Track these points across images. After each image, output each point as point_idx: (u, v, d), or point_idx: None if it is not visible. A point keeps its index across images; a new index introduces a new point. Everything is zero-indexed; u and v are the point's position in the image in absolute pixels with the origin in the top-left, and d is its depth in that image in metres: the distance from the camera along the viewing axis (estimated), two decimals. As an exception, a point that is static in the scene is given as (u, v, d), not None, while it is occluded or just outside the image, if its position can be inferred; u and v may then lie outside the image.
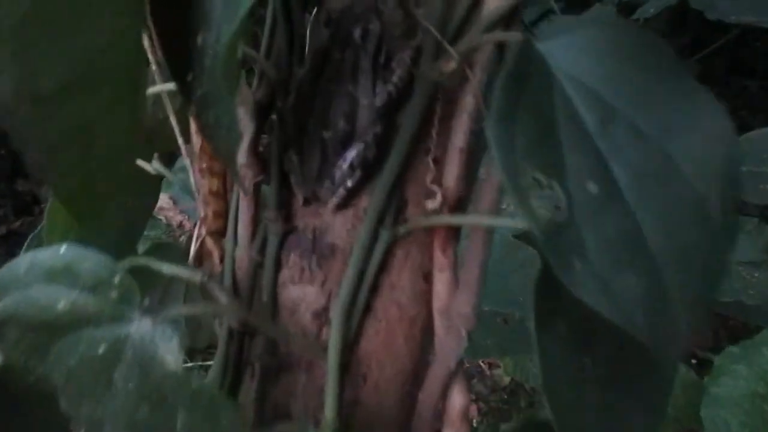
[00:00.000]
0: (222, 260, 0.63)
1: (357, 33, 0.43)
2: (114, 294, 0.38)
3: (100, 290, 0.37)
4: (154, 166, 0.79)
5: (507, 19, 0.43)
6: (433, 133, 0.46)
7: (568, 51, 0.33)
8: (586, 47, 0.33)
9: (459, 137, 0.46)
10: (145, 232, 0.90)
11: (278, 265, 0.48)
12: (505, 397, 2.17)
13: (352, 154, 0.44)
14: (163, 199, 1.07)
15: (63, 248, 0.39)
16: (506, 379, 2.18)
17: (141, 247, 0.92)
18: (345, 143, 0.44)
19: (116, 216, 0.36)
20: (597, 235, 0.30)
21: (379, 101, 0.44)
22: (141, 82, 0.36)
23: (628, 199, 0.31)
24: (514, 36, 0.35)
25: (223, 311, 0.50)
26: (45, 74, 0.28)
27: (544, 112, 0.32)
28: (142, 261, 0.57)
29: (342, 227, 0.47)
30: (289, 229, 0.47)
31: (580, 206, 0.30)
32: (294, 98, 0.45)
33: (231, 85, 0.32)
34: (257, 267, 0.49)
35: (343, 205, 0.46)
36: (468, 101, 0.45)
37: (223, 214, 0.62)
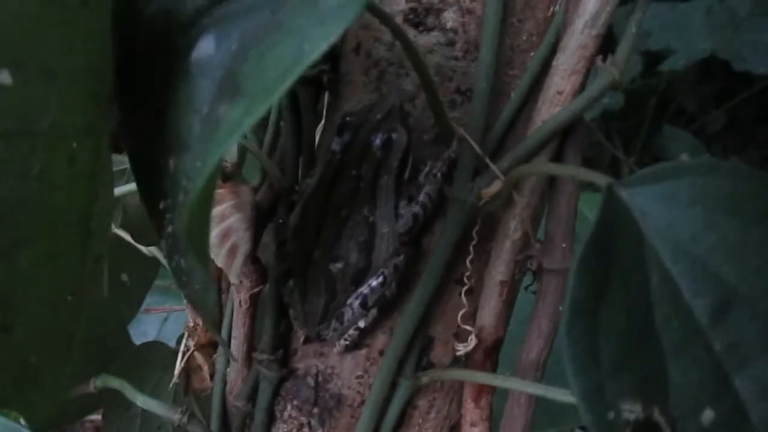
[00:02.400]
0: (212, 377, 0.54)
1: (377, 143, 0.35)
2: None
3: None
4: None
5: (564, 134, 0.35)
6: (467, 261, 0.37)
7: (661, 205, 0.24)
8: (683, 201, 0.24)
9: (499, 269, 0.37)
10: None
11: (271, 418, 0.39)
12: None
13: (365, 291, 0.35)
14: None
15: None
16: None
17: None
18: (358, 279, 0.35)
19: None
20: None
21: (402, 227, 0.35)
22: (97, 221, 0.28)
23: (759, 426, 0.22)
24: (587, 176, 0.26)
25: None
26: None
27: (637, 296, 0.23)
28: (115, 384, 0.49)
29: (351, 373, 0.38)
30: (286, 374, 0.38)
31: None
32: (299, 217, 0.36)
33: (201, 252, 0.23)
34: (246, 418, 0.40)
35: (353, 346, 0.37)
36: (512, 226, 0.37)
37: (216, 324, 0.53)
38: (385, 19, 0.32)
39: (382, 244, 0.35)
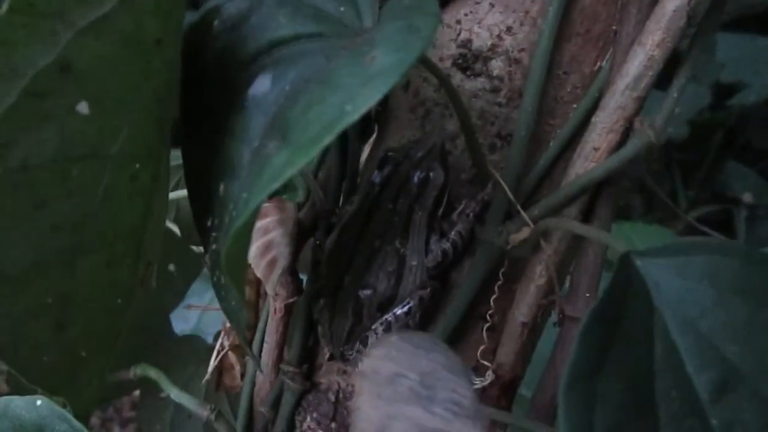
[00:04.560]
0: (243, 377, 0.56)
1: (415, 180, 0.36)
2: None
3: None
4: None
5: (596, 188, 0.36)
6: (492, 299, 0.39)
7: (674, 279, 0.25)
8: (696, 277, 0.25)
9: (522, 310, 0.38)
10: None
11: (291, 427, 0.41)
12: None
13: (390, 318, 0.37)
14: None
15: (38, 402, 0.33)
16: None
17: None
18: (384, 306, 0.37)
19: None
20: None
21: (431, 261, 0.37)
22: (149, 238, 0.30)
23: None
24: (609, 241, 0.27)
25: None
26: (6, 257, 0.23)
27: (640, 364, 0.24)
28: (152, 374, 0.52)
29: (371, 394, 0.40)
30: (309, 387, 0.40)
31: None
32: (334, 242, 0.38)
33: (238, 284, 0.26)
34: (269, 423, 0.42)
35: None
36: (537, 271, 0.38)
37: (252, 327, 0.56)
38: (432, 68, 0.33)
39: (410, 275, 0.37)
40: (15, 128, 0.23)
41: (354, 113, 0.23)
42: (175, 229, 0.77)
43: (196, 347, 0.64)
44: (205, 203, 0.33)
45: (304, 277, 0.48)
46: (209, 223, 0.33)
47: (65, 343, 0.28)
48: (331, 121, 0.23)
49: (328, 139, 0.22)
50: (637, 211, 2.03)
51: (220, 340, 0.56)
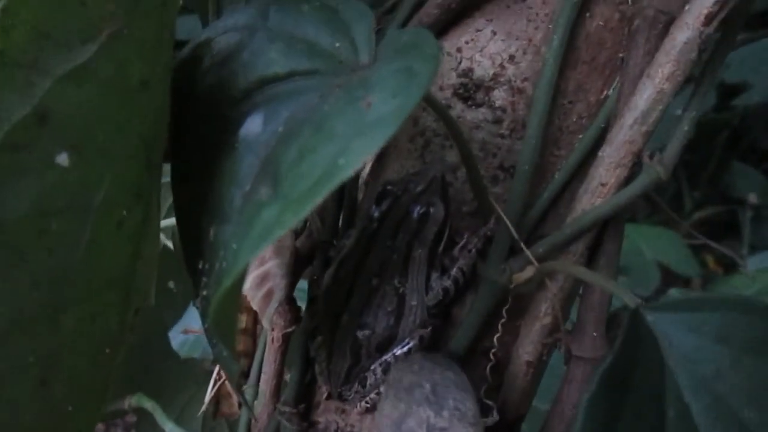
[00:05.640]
0: (241, 406, 0.55)
1: (415, 215, 0.35)
2: None
3: None
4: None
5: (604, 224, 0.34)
6: (495, 338, 0.37)
7: (688, 336, 0.24)
8: (711, 335, 0.24)
9: (527, 348, 0.37)
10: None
11: (289, 469, 0.40)
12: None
13: (389, 359, 0.36)
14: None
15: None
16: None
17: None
18: (383, 346, 0.36)
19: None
20: None
21: (431, 299, 0.35)
22: (138, 282, 0.29)
23: None
24: (618, 291, 0.26)
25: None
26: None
27: (650, 430, 0.22)
28: (148, 406, 0.51)
29: (371, 433, 0.39)
30: (306, 428, 0.39)
31: None
32: (331, 279, 0.37)
33: (228, 343, 0.24)
34: (265, 463, 0.41)
35: (373, 409, 0.38)
36: (542, 309, 0.36)
37: (249, 354, 0.54)
38: (431, 102, 0.32)
39: (410, 315, 0.35)
40: (-12, 186, 0.22)
41: (347, 167, 0.21)
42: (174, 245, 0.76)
43: (194, 371, 0.63)
44: (195, 246, 0.32)
45: (302, 304, 0.46)
46: (200, 266, 0.32)
47: (49, 400, 0.27)
48: (323, 175, 0.22)
49: (320, 197, 0.21)
50: (641, 212, 2.01)
51: (217, 368, 0.55)
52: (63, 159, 0.24)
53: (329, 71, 0.30)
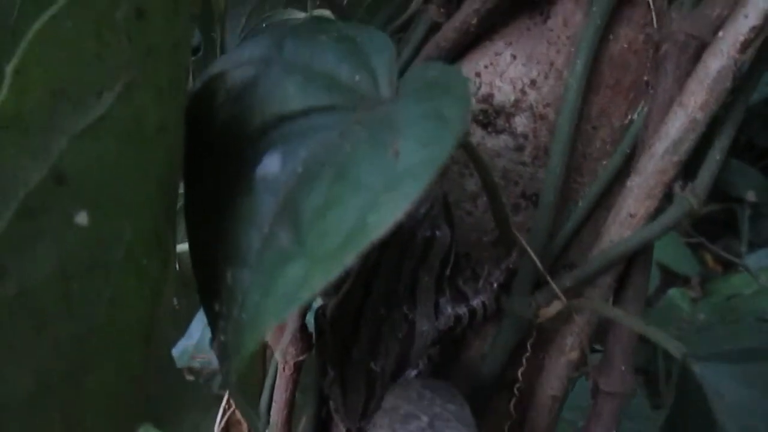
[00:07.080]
0: (251, 433, 0.54)
1: (420, 239, 0.33)
2: None
3: None
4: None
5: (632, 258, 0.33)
6: (519, 372, 0.36)
7: (737, 388, 0.23)
8: (760, 387, 0.22)
9: (553, 383, 0.36)
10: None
11: None
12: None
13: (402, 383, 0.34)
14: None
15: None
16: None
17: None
18: (396, 376, 0.35)
19: None
20: None
21: (443, 325, 0.34)
22: (158, 324, 0.28)
23: None
24: (660, 339, 0.24)
25: None
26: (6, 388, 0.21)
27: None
28: (157, 437, 0.49)
29: (392, 470, 0.37)
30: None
31: None
32: (336, 309, 0.36)
33: (250, 392, 0.23)
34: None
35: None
36: (569, 343, 0.35)
37: (259, 382, 0.53)
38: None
39: (421, 340, 0.34)
40: (7, 255, 0.20)
41: (378, 227, 0.20)
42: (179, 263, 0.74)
43: (198, 396, 0.62)
44: (212, 288, 0.30)
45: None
46: (217, 309, 0.30)
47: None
48: (352, 233, 0.20)
49: (350, 258, 0.20)
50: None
51: (226, 396, 0.53)
52: (82, 218, 0.22)
53: (349, 106, 0.28)
